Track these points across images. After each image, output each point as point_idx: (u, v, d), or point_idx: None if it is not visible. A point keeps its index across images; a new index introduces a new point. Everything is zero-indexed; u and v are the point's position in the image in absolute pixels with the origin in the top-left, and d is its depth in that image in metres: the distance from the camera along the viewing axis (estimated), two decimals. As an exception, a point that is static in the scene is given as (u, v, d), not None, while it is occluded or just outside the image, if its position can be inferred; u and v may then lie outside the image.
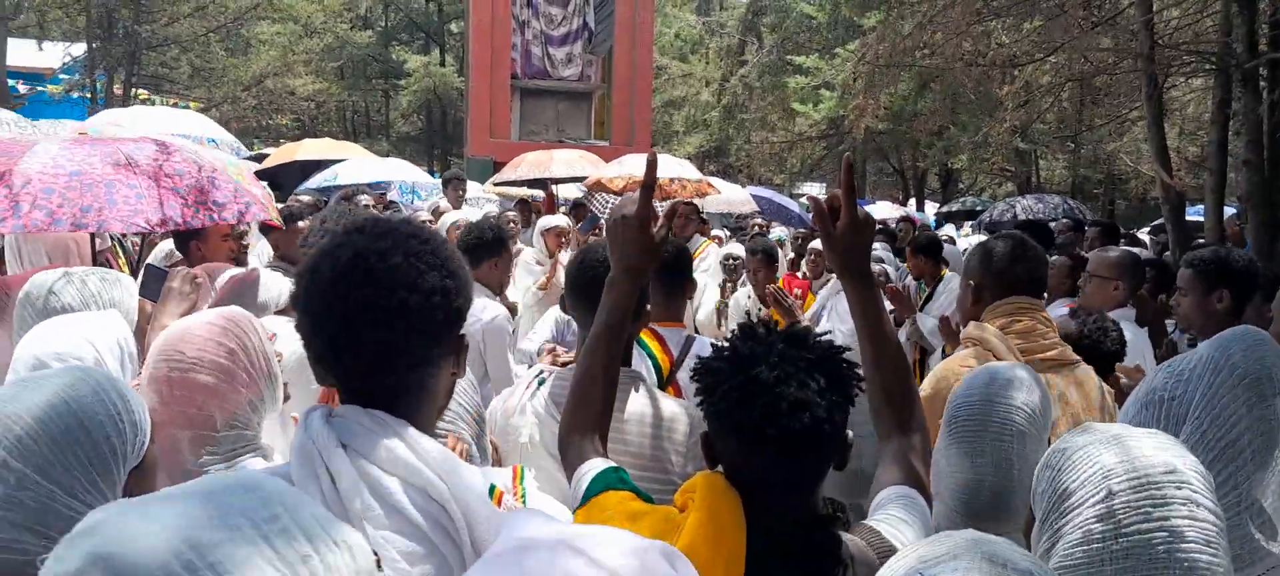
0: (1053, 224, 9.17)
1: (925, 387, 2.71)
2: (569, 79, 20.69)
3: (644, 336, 2.96)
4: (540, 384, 2.43)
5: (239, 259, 4.85)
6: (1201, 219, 10.61)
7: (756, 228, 11.14)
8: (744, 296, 6.44)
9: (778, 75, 22.14)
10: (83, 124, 7.91)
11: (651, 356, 2.98)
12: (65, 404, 1.41)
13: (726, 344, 1.59)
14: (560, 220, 7.14)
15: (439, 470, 1.28)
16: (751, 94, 23.93)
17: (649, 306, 2.44)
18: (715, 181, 10.82)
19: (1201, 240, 9.82)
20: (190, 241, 4.33)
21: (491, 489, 1.36)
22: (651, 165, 1.88)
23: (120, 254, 6.07)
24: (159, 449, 1.83)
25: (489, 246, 4.28)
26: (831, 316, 4.84)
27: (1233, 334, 1.81)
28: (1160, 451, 1.33)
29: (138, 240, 6.49)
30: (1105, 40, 10.19)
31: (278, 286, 3.04)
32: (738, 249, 7.37)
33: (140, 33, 20.95)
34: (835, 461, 1.53)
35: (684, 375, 2.80)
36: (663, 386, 2.82)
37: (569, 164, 10.37)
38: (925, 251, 6.56)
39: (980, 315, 2.79)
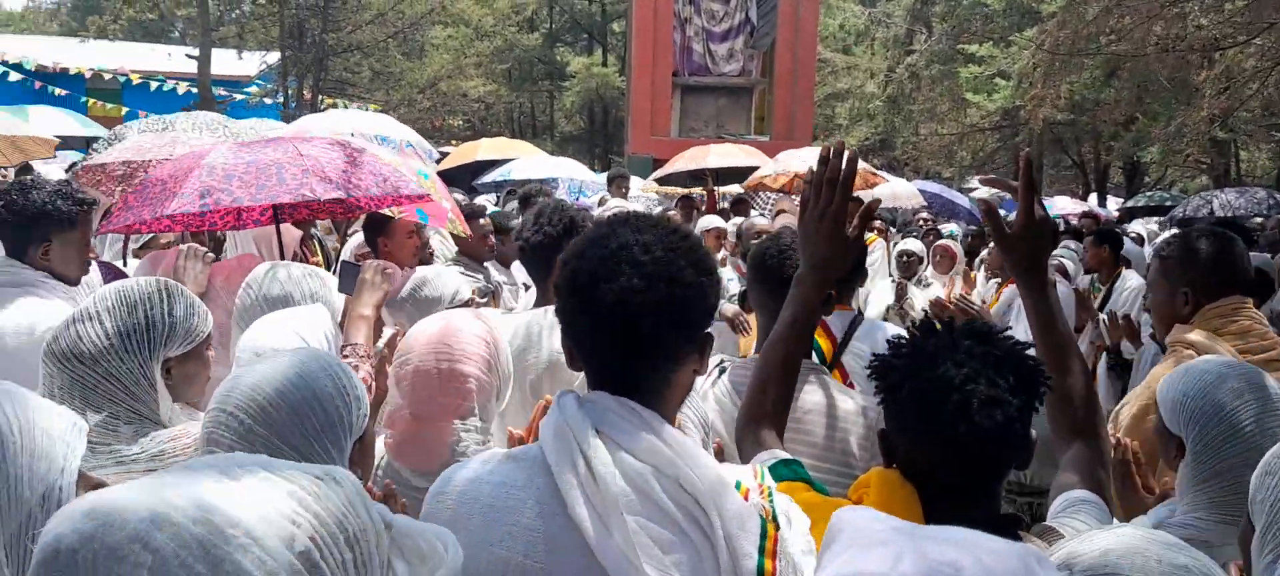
0: (1258, 220, 8.42)
1: (1135, 401, 2.56)
2: (730, 74, 20.60)
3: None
4: (721, 372, 2.44)
5: (424, 257, 5.10)
6: None
7: (923, 223, 10.79)
8: (922, 295, 6.18)
9: (948, 64, 21.32)
10: (281, 127, 8.50)
11: (815, 343, 2.96)
12: (300, 378, 1.56)
13: (905, 340, 1.54)
14: (719, 221, 7.12)
15: (690, 463, 1.30)
16: (919, 84, 23.15)
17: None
18: (881, 173, 10.56)
19: None
20: (377, 237, 4.57)
21: (738, 485, 1.36)
22: (850, 159, 1.85)
23: (318, 250, 6.50)
24: (428, 440, 1.99)
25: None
26: (1017, 316, 4.58)
27: None
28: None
29: (334, 239, 6.93)
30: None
31: (454, 283, 3.16)
32: (913, 245, 7.15)
33: (327, 40, 22.32)
34: (1018, 461, 1.46)
35: (850, 358, 2.74)
36: (828, 371, 2.79)
37: (727, 155, 10.35)
38: (1106, 240, 6.21)
39: (1188, 319, 2.58)
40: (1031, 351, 1.49)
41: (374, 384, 2.28)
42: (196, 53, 19.83)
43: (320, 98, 23.74)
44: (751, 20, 20.48)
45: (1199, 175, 19.77)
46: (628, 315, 1.33)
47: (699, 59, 20.70)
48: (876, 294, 6.58)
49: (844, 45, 29.51)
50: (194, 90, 21.00)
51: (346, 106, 25.43)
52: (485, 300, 3.98)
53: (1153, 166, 18.93)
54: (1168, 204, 15.34)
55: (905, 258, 6.78)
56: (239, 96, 23.91)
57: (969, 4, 21.32)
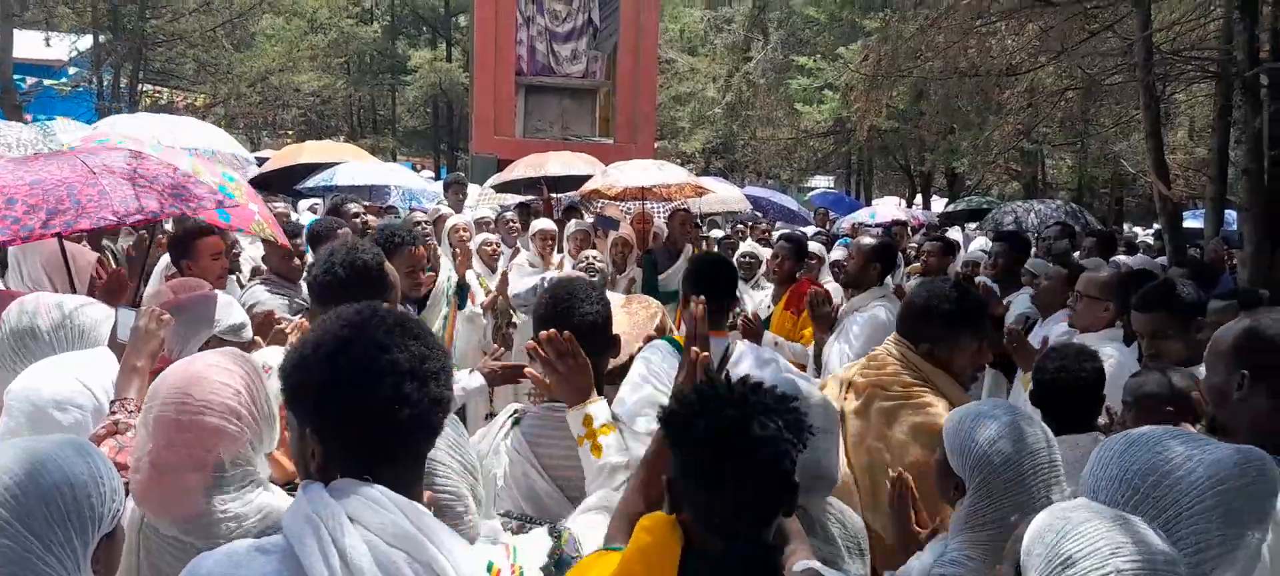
0: (1046, 230, 9.10)
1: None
2: (574, 76, 20.63)
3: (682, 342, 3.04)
4: (514, 423, 2.45)
5: (231, 267, 4.89)
6: (1203, 225, 10.57)
7: (761, 231, 11.10)
8: (762, 298, 6.24)
9: (782, 73, 22.09)
10: (94, 129, 7.94)
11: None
12: (55, 463, 1.52)
13: (690, 396, 1.65)
14: (550, 224, 7.17)
15: (440, 546, 1.35)
16: (756, 91, 23.88)
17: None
18: (708, 181, 10.82)
19: (1198, 246, 9.79)
20: (181, 259, 4.37)
21: (490, 566, 1.44)
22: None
23: (113, 262, 6.12)
24: (168, 488, 1.89)
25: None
26: (842, 337, 4.76)
27: (1238, 458, 1.66)
28: (1162, 541, 1.42)
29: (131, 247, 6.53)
30: (1106, 45, 10.15)
31: (232, 316, 3.02)
32: (753, 247, 7.35)
33: (146, 29, 21.01)
34: (785, 506, 1.63)
35: None
36: None
37: (566, 163, 10.34)
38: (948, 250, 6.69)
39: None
40: (797, 403, 1.65)
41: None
42: (-5, 36, 18.25)
43: (139, 89, 22.31)
44: (594, 22, 20.57)
45: (1012, 182, 21.25)
46: (379, 421, 1.40)
47: (542, 59, 20.62)
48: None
49: (688, 48, 30.06)
50: (-7, 77, 19.33)
51: (170, 98, 24.04)
52: (297, 319, 3.84)
53: (970, 173, 20.20)
54: (985, 207, 16.38)
55: (745, 259, 6.95)
56: (50, 83, 22.16)
57: (801, 17, 22.18)
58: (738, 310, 4.48)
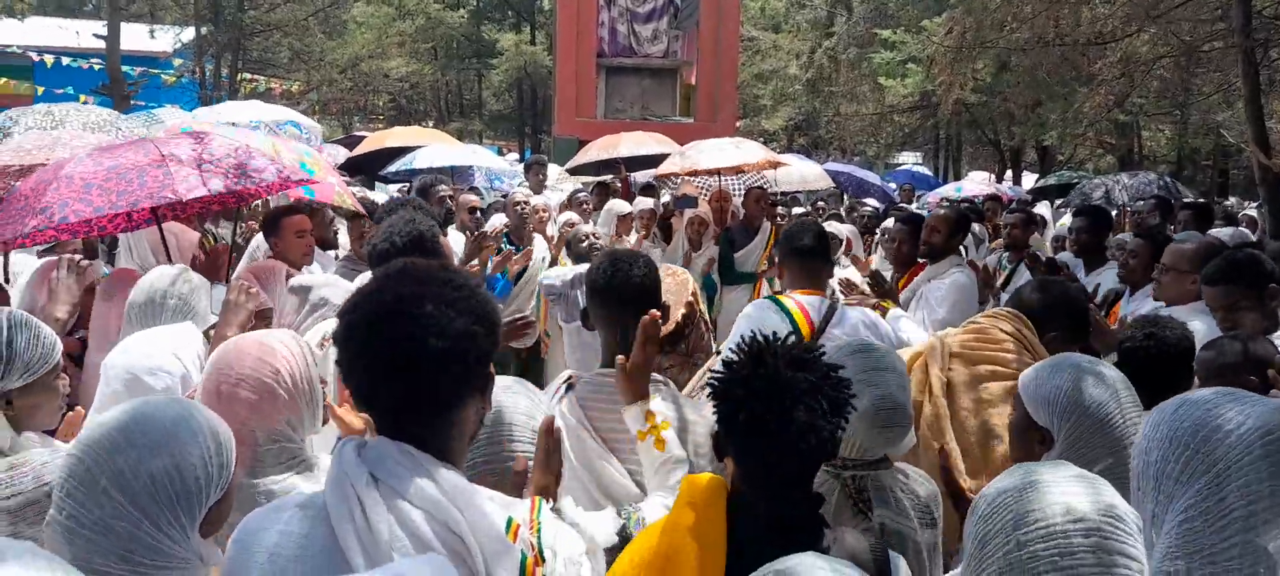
0: (1140, 203, 8.79)
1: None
2: (654, 56, 20.65)
3: (787, 304, 3.14)
4: (568, 388, 2.49)
5: (328, 242, 5.09)
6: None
7: (820, 208, 11.00)
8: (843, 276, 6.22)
9: (864, 48, 21.71)
10: (188, 116, 8.34)
11: (795, 325, 3.19)
12: (165, 442, 1.55)
13: (739, 364, 1.75)
14: (624, 205, 7.21)
15: (460, 504, 1.39)
16: (838, 66, 23.51)
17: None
18: (787, 158, 10.73)
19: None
20: (269, 237, 4.59)
21: (509, 522, 1.47)
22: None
23: (212, 243, 6.43)
24: None
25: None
26: (922, 305, 4.79)
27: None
28: (1077, 497, 1.38)
29: (226, 233, 6.84)
30: (1204, 11, 9.72)
31: (326, 289, 3.19)
32: (836, 227, 7.34)
33: (244, 20, 21.79)
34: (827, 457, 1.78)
35: (828, 343, 2.91)
36: None
37: (638, 143, 10.39)
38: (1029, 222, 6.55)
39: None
40: (844, 372, 1.75)
41: None
42: (104, 30, 19.18)
43: (239, 77, 23.19)
44: (675, 2, 20.56)
45: (1106, 154, 20.49)
46: (399, 371, 1.41)
47: (624, 40, 20.70)
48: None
49: (773, 24, 29.73)
50: (103, 67, 20.34)
51: (268, 86, 24.92)
52: None
53: (1063, 147, 19.56)
54: (1076, 182, 15.88)
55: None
56: (156, 73, 23.21)
57: (886, -12, 21.78)
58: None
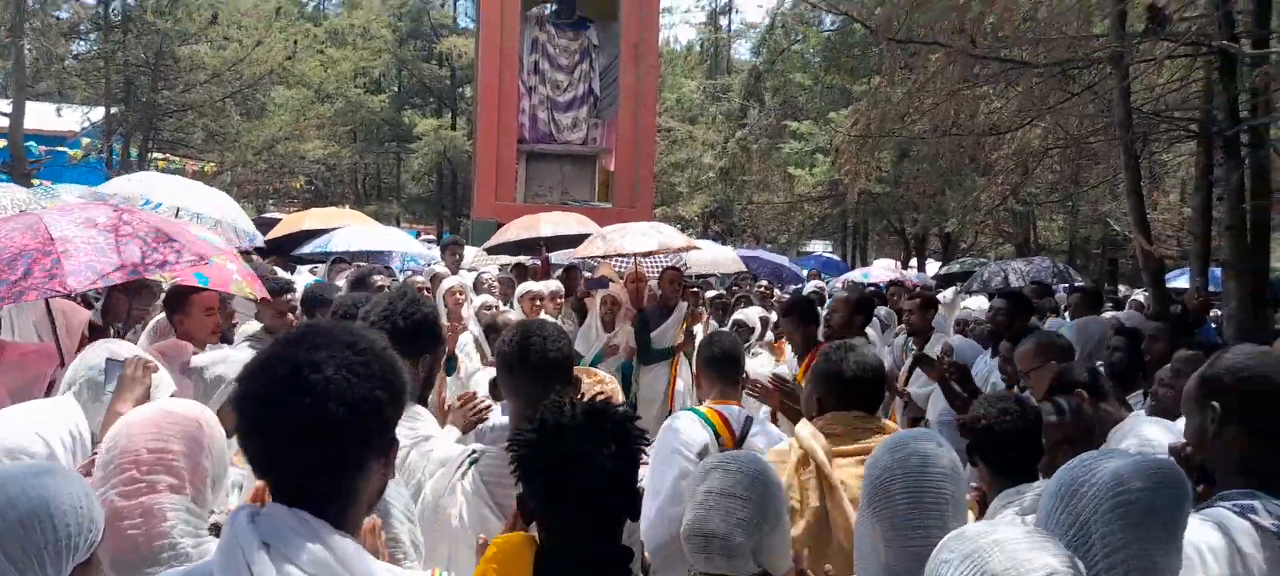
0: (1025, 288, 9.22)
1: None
2: (574, 143, 21.03)
3: (707, 414, 3.25)
4: (471, 464, 2.49)
5: (225, 335, 4.99)
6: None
7: (760, 290, 11.24)
8: (753, 365, 6.22)
9: (775, 138, 22.47)
10: (98, 188, 8.12)
11: (716, 433, 3.26)
12: (33, 492, 1.57)
13: (534, 421, 1.84)
14: (535, 286, 7.24)
15: (352, 569, 1.37)
16: (751, 157, 24.24)
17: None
18: (702, 243, 10.97)
19: (1180, 302, 9.90)
20: (174, 314, 4.48)
21: None
22: None
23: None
24: (122, 540, 1.94)
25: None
26: None
27: (1140, 466, 1.73)
28: (1036, 551, 1.39)
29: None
30: (1089, 107, 10.37)
31: (234, 368, 3.15)
32: (747, 315, 7.48)
33: (158, 100, 21.44)
34: (630, 512, 1.83)
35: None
36: None
37: (557, 223, 10.48)
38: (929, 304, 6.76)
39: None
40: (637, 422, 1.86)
41: None
42: (8, 107, 18.66)
43: (149, 157, 22.70)
44: (594, 92, 21.03)
45: (1006, 243, 21.43)
46: (299, 438, 1.39)
47: (544, 127, 21.05)
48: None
49: (689, 116, 30.54)
50: (5, 146, 19.72)
51: (180, 166, 24.40)
52: None
53: (963, 235, 20.39)
54: (977, 269, 16.54)
55: (737, 328, 7.09)
56: (62, 150, 22.54)
57: (796, 85, 22.63)
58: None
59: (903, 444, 2.10)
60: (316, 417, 1.38)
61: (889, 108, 11.48)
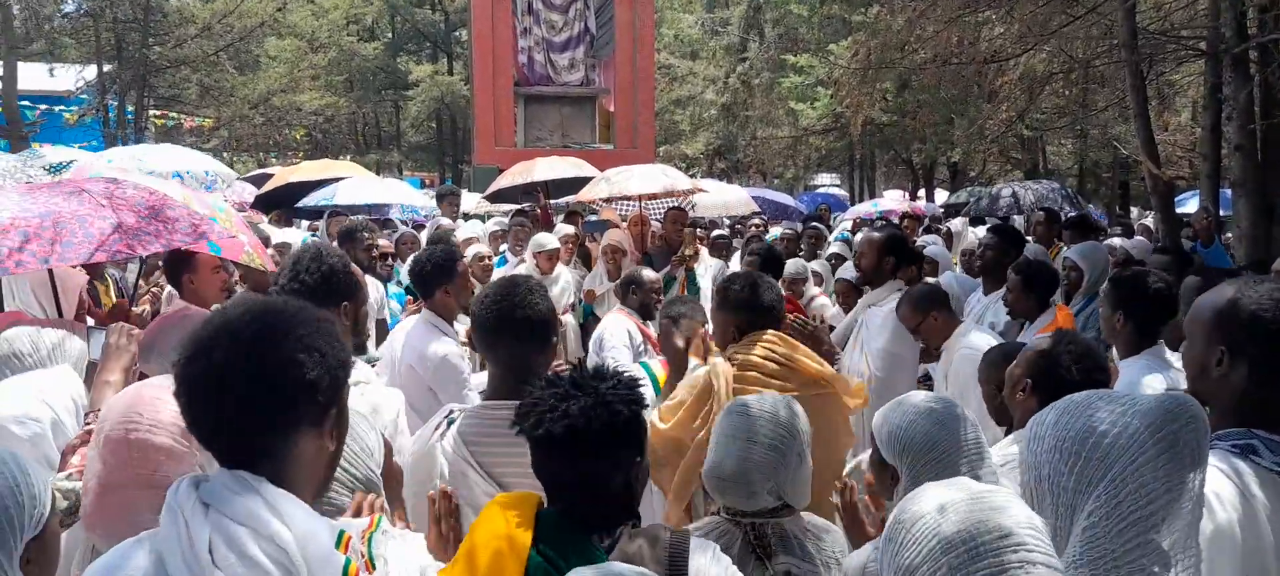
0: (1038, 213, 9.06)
1: None
2: (572, 84, 20.77)
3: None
4: (449, 424, 2.44)
5: (231, 291, 4.94)
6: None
7: (754, 229, 11.17)
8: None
9: (776, 73, 22.15)
10: (100, 157, 8.05)
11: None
12: None
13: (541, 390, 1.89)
14: (545, 240, 7.07)
15: (287, 519, 1.40)
16: (752, 91, 23.93)
17: None
18: (710, 183, 10.84)
19: (1190, 224, 9.78)
20: (182, 274, 4.38)
21: (341, 535, 1.48)
22: None
23: (111, 286, 6.21)
24: (114, 509, 1.94)
25: (440, 272, 3.99)
26: (865, 331, 4.42)
27: (1167, 404, 1.67)
28: (994, 513, 1.36)
29: (129, 272, 6.63)
30: (1094, 28, 10.15)
31: None
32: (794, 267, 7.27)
33: (150, 56, 21.23)
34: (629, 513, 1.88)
35: None
36: None
37: (553, 167, 10.36)
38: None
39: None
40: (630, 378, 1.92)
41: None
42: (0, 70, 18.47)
43: (146, 115, 22.54)
44: (591, 30, 20.70)
45: (1015, 169, 21.19)
46: (224, 392, 1.43)
47: (541, 69, 20.77)
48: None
49: (689, 52, 30.10)
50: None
51: (178, 121, 24.25)
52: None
53: (972, 162, 20.18)
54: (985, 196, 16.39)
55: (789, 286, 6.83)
56: (58, 111, 22.38)
57: (795, 16, 22.24)
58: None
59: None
60: (231, 374, 1.43)
61: (890, 36, 11.27)
